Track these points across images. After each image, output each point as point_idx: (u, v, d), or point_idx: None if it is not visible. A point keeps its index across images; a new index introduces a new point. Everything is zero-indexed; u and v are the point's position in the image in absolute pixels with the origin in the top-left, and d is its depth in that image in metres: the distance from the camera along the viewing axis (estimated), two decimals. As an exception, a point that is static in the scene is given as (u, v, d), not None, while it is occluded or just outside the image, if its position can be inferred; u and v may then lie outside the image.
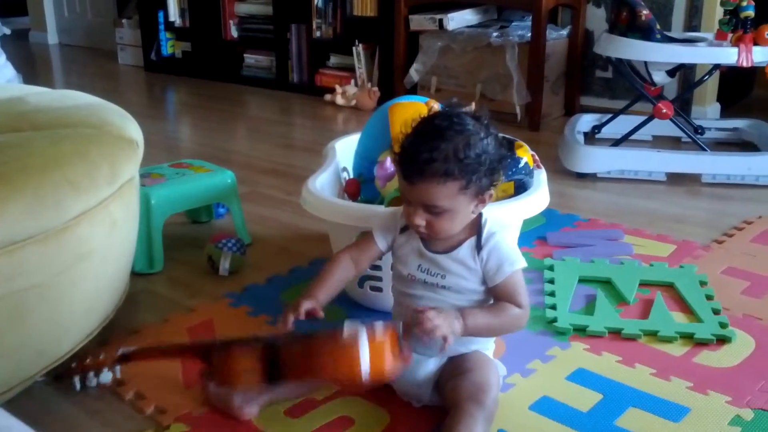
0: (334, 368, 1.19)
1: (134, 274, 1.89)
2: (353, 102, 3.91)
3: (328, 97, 4.02)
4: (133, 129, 1.70)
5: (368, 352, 1.18)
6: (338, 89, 3.97)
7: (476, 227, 1.36)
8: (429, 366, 1.36)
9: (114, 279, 1.62)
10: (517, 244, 1.44)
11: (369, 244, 1.44)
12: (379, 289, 1.66)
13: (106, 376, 1.45)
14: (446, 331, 1.23)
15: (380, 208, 1.65)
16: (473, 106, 1.91)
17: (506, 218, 1.64)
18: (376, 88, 3.89)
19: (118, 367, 1.46)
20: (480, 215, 1.37)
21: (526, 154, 1.73)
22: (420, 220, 1.30)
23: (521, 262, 1.35)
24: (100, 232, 1.50)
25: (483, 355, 1.39)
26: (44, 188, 1.36)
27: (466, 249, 1.35)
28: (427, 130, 1.29)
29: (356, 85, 3.98)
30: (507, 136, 1.84)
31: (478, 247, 1.34)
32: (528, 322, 1.67)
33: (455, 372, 1.33)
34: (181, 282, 1.97)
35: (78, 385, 1.44)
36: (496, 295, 1.35)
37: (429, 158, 1.25)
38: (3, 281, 1.27)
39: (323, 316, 1.35)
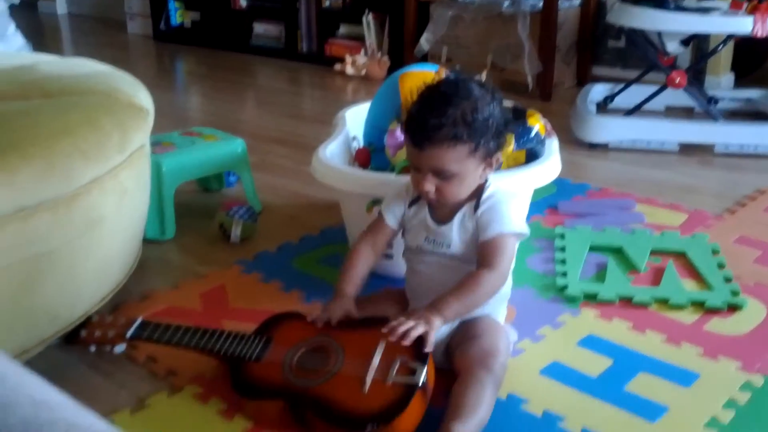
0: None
1: (146, 242, 1.90)
2: (363, 72, 3.89)
3: (337, 66, 4.00)
4: (143, 96, 1.70)
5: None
6: (348, 59, 3.94)
7: (479, 191, 1.37)
8: (441, 330, 1.36)
9: (125, 246, 1.63)
10: (522, 214, 1.42)
11: (381, 226, 1.45)
12: (390, 257, 1.66)
13: (120, 348, 1.45)
14: (422, 330, 1.24)
15: (391, 176, 1.65)
16: (484, 75, 1.90)
17: (518, 186, 1.64)
18: (386, 58, 3.86)
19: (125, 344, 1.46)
20: (485, 181, 1.37)
21: (537, 123, 1.72)
22: (430, 186, 1.31)
23: (516, 228, 1.34)
24: (111, 199, 1.50)
25: (493, 320, 1.39)
26: (54, 156, 1.36)
27: (465, 212, 1.36)
28: (434, 96, 1.31)
29: (366, 54, 3.96)
30: (518, 104, 1.83)
31: (476, 207, 1.35)
32: (539, 288, 1.71)
33: (465, 337, 1.33)
34: (193, 249, 1.98)
35: (93, 349, 1.45)
36: (478, 254, 1.33)
37: (438, 123, 1.27)
38: (16, 247, 1.28)
39: (357, 316, 1.34)
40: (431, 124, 1.27)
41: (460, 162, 1.29)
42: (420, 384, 1.19)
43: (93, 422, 0.43)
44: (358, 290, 1.41)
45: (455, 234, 1.36)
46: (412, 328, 1.24)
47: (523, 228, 1.36)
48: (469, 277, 1.31)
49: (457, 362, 1.31)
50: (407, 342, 1.23)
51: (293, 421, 1.24)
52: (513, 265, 1.39)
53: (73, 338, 1.45)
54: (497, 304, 1.42)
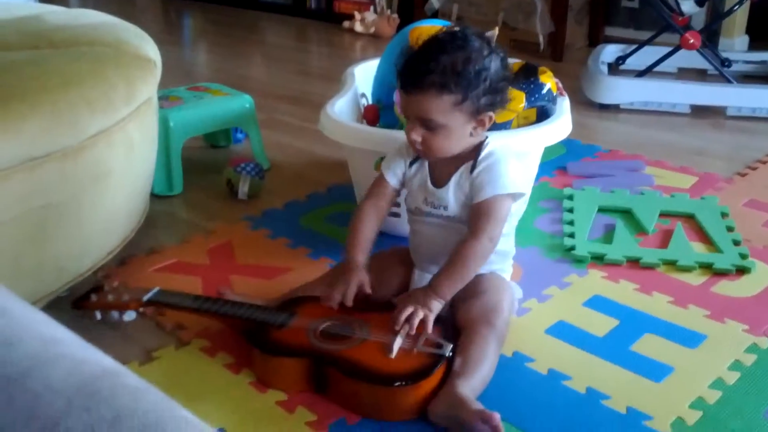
0: (385, 414, 1.19)
1: (154, 197, 1.90)
2: (372, 29, 3.84)
3: (346, 24, 3.95)
4: (150, 49, 1.68)
5: (421, 399, 1.18)
6: (357, 16, 3.89)
7: (476, 151, 1.33)
8: None
9: (133, 200, 1.62)
10: (521, 173, 1.35)
11: (383, 185, 1.42)
12: (397, 215, 1.65)
13: (130, 315, 1.43)
14: (421, 315, 1.23)
15: (399, 133, 1.64)
16: (496, 32, 1.87)
17: (527, 145, 1.63)
18: (395, 15, 3.81)
19: (141, 310, 1.45)
20: (484, 141, 1.34)
21: (549, 81, 1.70)
22: (416, 136, 1.29)
23: (511, 188, 1.29)
24: (118, 152, 1.49)
25: (498, 277, 1.39)
26: (61, 106, 1.35)
27: (462, 173, 1.33)
28: (431, 43, 1.29)
29: (375, 11, 3.90)
30: (530, 62, 1.80)
31: (473, 167, 1.32)
32: (546, 249, 1.70)
33: (469, 293, 1.33)
34: (200, 205, 1.98)
35: (99, 316, 1.43)
36: (470, 216, 1.31)
37: (426, 69, 1.24)
38: (23, 198, 1.28)
39: (371, 292, 1.32)
40: (420, 69, 1.25)
41: (445, 113, 1.25)
42: (447, 355, 1.20)
43: (100, 358, 0.43)
44: (368, 255, 1.39)
45: (451, 196, 1.34)
46: (412, 314, 1.23)
47: (520, 188, 1.32)
48: (457, 251, 1.28)
49: (460, 318, 1.31)
50: (412, 332, 1.23)
51: (309, 386, 1.24)
52: (516, 222, 1.38)
53: (81, 303, 1.43)
54: (502, 261, 1.42)
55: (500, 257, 1.39)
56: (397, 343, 1.21)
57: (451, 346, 1.22)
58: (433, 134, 1.28)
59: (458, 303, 1.33)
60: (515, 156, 1.36)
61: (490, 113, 1.30)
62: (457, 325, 1.30)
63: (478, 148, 1.33)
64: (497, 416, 1.10)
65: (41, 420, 0.37)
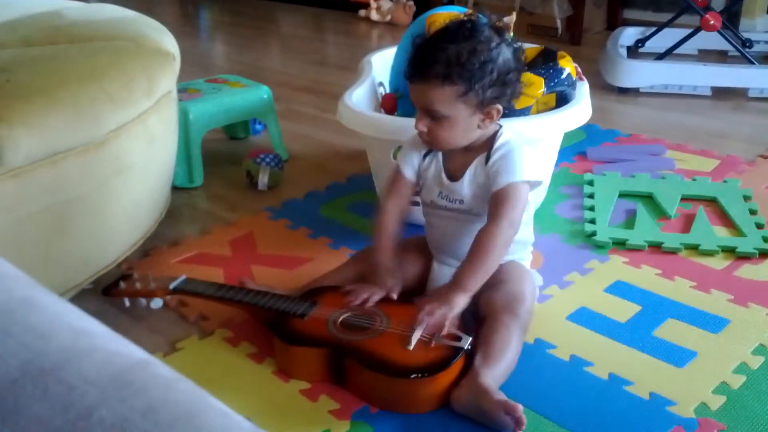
0: (402, 406, 1.19)
1: (175, 189, 1.92)
2: (388, 17, 3.83)
3: (362, 12, 3.94)
4: (169, 42, 1.70)
5: (439, 392, 1.18)
6: (373, 4, 3.89)
7: (490, 142, 1.32)
8: None
9: (155, 192, 1.64)
10: (537, 162, 1.33)
11: (400, 181, 1.40)
12: (416, 203, 1.65)
13: (157, 303, 1.46)
14: (442, 312, 1.22)
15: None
16: (513, 17, 1.86)
17: (547, 131, 1.62)
18: (411, 3, 3.80)
19: (168, 298, 1.47)
20: (497, 132, 1.33)
21: (569, 65, 1.69)
22: (422, 126, 1.28)
23: (527, 176, 1.28)
24: (139, 145, 1.51)
25: (519, 265, 1.39)
26: (82, 101, 1.36)
27: (476, 164, 1.32)
28: (439, 32, 1.27)
29: (391, -1, 3.89)
30: (548, 47, 1.79)
31: (488, 158, 1.31)
32: (567, 235, 1.70)
33: (491, 282, 1.32)
34: (221, 196, 1.99)
35: (127, 303, 1.47)
36: (489, 205, 1.30)
37: (430, 60, 1.23)
38: (47, 192, 1.30)
39: (396, 298, 1.31)
40: (425, 60, 1.24)
41: (449, 104, 1.24)
42: (466, 348, 1.20)
43: (133, 350, 0.44)
44: (393, 255, 1.38)
45: (467, 189, 1.33)
46: (435, 314, 1.22)
47: (536, 176, 1.31)
48: (478, 240, 1.27)
49: (483, 307, 1.31)
50: (432, 329, 1.22)
51: (328, 376, 1.25)
52: (533, 211, 1.38)
53: (110, 290, 1.46)
54: (521, 250, 1.41)
55: (519, 246, 1.39)
56: (416, 335, 1.22)
57: (470, 338, 1.22)
58: (439, 125, 1.27)
59: (480, 293, 1.33)
60: (529, 144, 1.35)
61: (498, 106, 1.28)
62: (480, 315, 1.30)
63: (491, 139, 1.32)
64: (520, 407, 1.09)
65: (75, 410, 0.37)
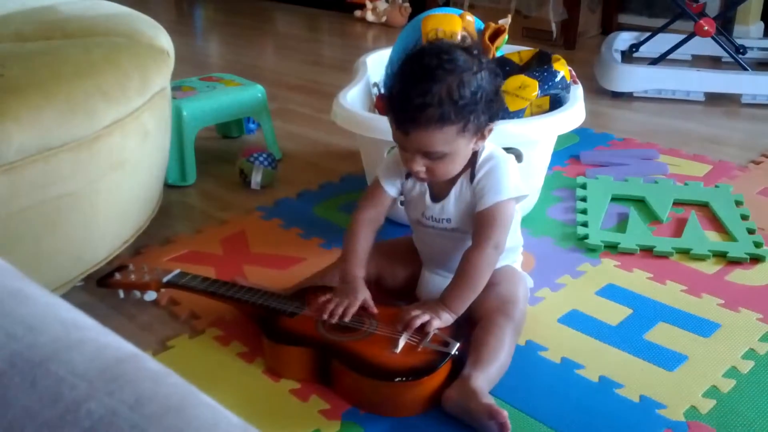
0: (386, 409, 1.19)
1: (167, 187, 1.91)
2: (384, 18, 3.84)
3: (357, 13, 3.94)
4: (163, 38, 1.69)
5: (423, 397, 1.18)
6: (368, 5, 3.89)
7: (473, 159, 1.29)
8: None
9: (147, 189, 1.63)
10: (518, 174, 1.30)
11: (380, 195, 1.37)
12: (401, 203, 1.64)
13: (151, 295, 1.47)
14: (427, 317, 1.23)
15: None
16: (509, 20, 1.86)
17: (540, 133, 1.62)
18: (407, 4, 3.80)
19: (162, 291, 1.47)
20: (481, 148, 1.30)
21: (563, 69, 1.69)
22: (419, 167, 1.23)
23: (513, 192, 1.27)
24: (133, 142, 1.50)
25: (510, 268, 1.39)
26: (76, 96, 1.36)
27: (461, 183, 1.30)
28: (416, 71, 1.18)
29: (387, 0, 3.89)
30: (543, 50, 1.80)
31: (472, 176, 1.29)
32: (559, 238, 1.70)
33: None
34: (214, 195, 1.99)
35: (122, 295, 1.47)
36: (474, 224, 1.28)
37: (422, 104, 1.16)
38: (39, 187, 1.29)
39: (376, 311, 1.28)
40: (415, 104, 1.16)
41: (449, 143, 1.19)
42: (453, 353, 1.20)
43: (123, 344, 0.43)
44: (365, 267, 1.34)
45: (453, 208, 1.31)
46: (417, 317, 1.23)
47: (521, 191, 1.29)
48: (463, 264, 1.27)
49: (476, 310, 1.31)
50: (428, 339, 1.22)
51: (315, 376, 1.25)
52: (521, 216, 1.38)
53: (106, 281, 1.46)
54: (511, 256, 1.40)
55: (508, 252, 1.37)
56: (404, 338, 1.22)
57: (458, 344, 1.22)
58: (438, 162, 1.22)
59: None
60: (509, 157, 1.32)
61: (490, 126, 1.25)
62: (473, 318, 1.30)
63: (474, 155, 1.29)
64: (504, 414, 1.09)
65: (64, 403, 0.37)
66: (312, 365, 1.24)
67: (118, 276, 1.46)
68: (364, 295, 1.30)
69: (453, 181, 1.30)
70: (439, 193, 1.33)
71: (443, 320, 1.25)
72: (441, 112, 1.16)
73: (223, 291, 1.39)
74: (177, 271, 1.45)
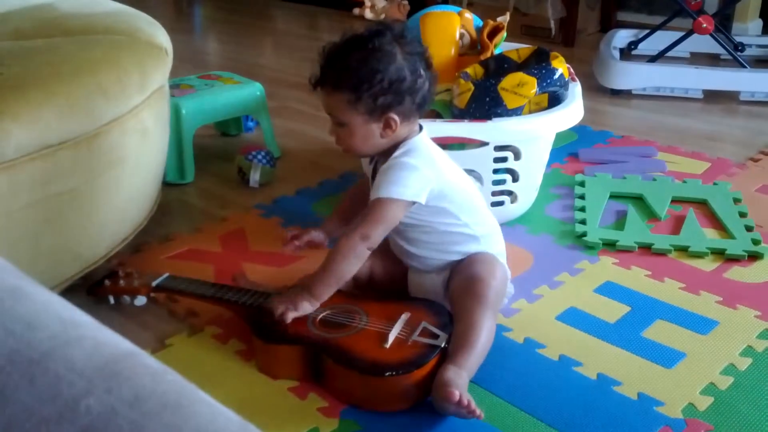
0: (379, 404, 1.20)
1: (166, 185, 1.91)
2: (382, 16, 3.83)
3: (356, 11, 3.93)
4: (162, 36, 1.69)
5: (414, 389, 1.18)
6: (367, 3, 3.88)
7: (390, 153, 1.31)
8: (431, 276, 1.38)
9: (146, 187, 1.63)
10: (420, 183, 1.27)
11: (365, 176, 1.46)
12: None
13: (141, 300, 1.46)
14: (290, 314, 1.26)
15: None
16: (507, 17, 1.86)
17: (538, 130, 1.63)
18: (406, 2, 3.79)
19: (151, 295, 1.47)
20: (401, 143, 1.31)
21: (561, 66, 1.69)
22: (331, 132, 1.34)
23: (394, 195, 1.25)
24: (132, 139, 1.50)
25: (483, 253, 1.35)
26: (76, 94, 1.36)
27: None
28: (340, 41, 1.31)
29: (386, -2, 3.89)
30: (542, 47, 1.80)
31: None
32: (557, 236, 1.70)
33: (456, 272, 1.34)
34: (212, 193, 1.99)
35: (112, 301, 1.47)
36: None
37: (326, 67, 1.29)
38: (38, 185, 1.29)
39: (327, 245, 1.39)
40: (323, 66, 1.30)
41: (342, 111, 1.28)
42: (442, 345, 1.21)
43: (121, 341, 0.43)
44: (339, 224, 1.49)
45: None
46: (283, 313, 1.27)
47: (408, 195, 1.25)
48: (331, 250, 1.30)
49: (449, 299, 1.32)
50: (284, 321, 1.26)
51: (308, 374, 1.25)
52: (472, 213, 1.35)
53: (95, 289, 1.46)
54: (485, 241, 1.37)
55: (469, 244, 1.35)
56: (393, 333, 1.22)
57: (447, 336, 1.22)
58: (342, 131, 1.31)
59: (447, 285, 1.34)
60: (420, 164, 1.28)
61: (393, 115, 1.27)
62: (450, 307, 1.30)
63: (394, 149, 1.31)
64: (456, 393, 1.10)
65: (63, 399, 0.37)
66: (304, 363, 1.25)
67: (107, 283, 1.46)
68: (321, 235, 1.46)
69: (382, 165, 1.33)
70: (373, 176, 1.37)
71: (301, 309, 1.27)
72: (336, 79, 1.27)
73: (212, 293, 1.40)
74: (166, 275, 1.46)
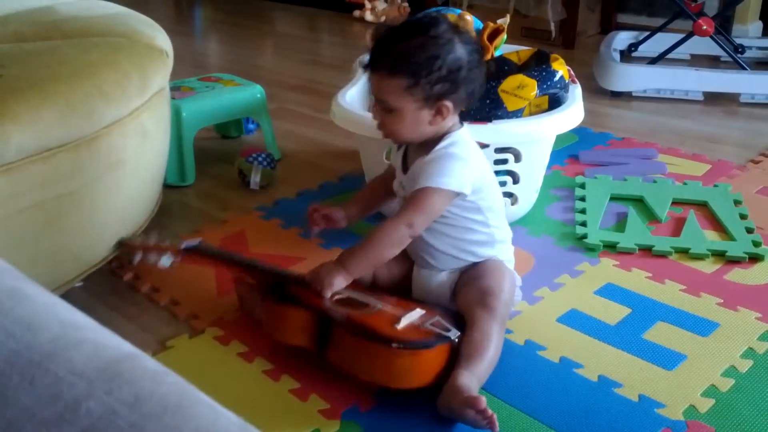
0: (379, 376, 1.19)
1: (166, 187, 1.91)
2: (382, 18, 3.84)
3: (356, 13, 3.94)
4: (162, 39, 1.69)
5: (417, 369, 1.18)
6: (367, 5, 3.89)
7: (437, 142, 1.31)
8: (441, 276, 1.37)
9: (146, 189, 1.63)
10: (468, 175, 1.29)
11: (391, 167, 1.46)
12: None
13: (167, 260, 1.46)
14: (328, 286, 1.27)
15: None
16: (507, 19, 1.86)
17: (539, 133, 1.63)
18: (406, 4, 3.80)
19: (178, 258, 1.47)
20: (447, 134, 1.32)
21: (561, 68, 1.69)
22: (376, 116, 1.32)
23: (444, 184, 1.26)
24: (132, 141, 1.50)
25: (494, 261, 1.36)
26: (75, 96, 1.36)
27: (419, 163, 1.32)
28: (398, 26, 1.31)
29: (386, 0, 3.90)
30: (542, 49, 1.80)
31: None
32: (558, 237, 1.70)
33: (466, 280, 1.34)
34: (213, 195, 1.99)
35: (137, 259, 1.47)
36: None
37: (381, 51, 1.28)
38: (38, 187, 1.29)
39: (343, 227, 1.41)
40: (379, 50, 1.28)
41: (396, 95, 1.26)
42: (452, 339, 1.20)
43: (121, 343, 0.43)
44: (359, 210, 1.49)
45: (409, 182, 1.34)
46: (323, 284, 1.28)
47: (456, 186, 1.27)
48: (373, 230, 1.31)
49: (459, 307, 1.31)
50: (326, 293, 1.28)
51: (313, 354, 1.25)
52: (502, 210, 1.38)
53: (127, 242, 1.50)
54: (497, 247, 1.38)
55: (485, 246, 1.36)
56: (407, 318, 1.23)
57: (459, 334, 1.23)
58: (389, 117, 1.29)
59: (456, 293, 1.34)
60: (468, 156, 1.31)
61: (447, 102, 1.27)
62: (460, 315, 1.30)
63: (439, 140, 1.31)
64: (482, 399, 1.09)
65: (63, 402, 0.37)
66: (311, 330, 1.25)
67: (139, 239, 1.49)
68: (339, 212, 1.45)
69: (418, 157, 1.33)
70: (409, 165, 1.36)
71: (336, 284, 1.28)
72: (393, 63, 1.25)
73: (238, 259, 1.44)
74: (198, 240, 1.49)
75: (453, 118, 1.32)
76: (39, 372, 0.39)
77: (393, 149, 1.45)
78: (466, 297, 1.30)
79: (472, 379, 1.16)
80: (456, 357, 1.20)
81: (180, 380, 0.43)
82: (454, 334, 1.22)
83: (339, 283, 1.28)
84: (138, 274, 1.59)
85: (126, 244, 1.49)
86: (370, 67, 1.29)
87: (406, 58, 1.25)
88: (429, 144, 1.32)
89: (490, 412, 1.09)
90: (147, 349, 1.35)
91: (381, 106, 1.29)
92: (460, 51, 1.27)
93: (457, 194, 1.29)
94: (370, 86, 1.32)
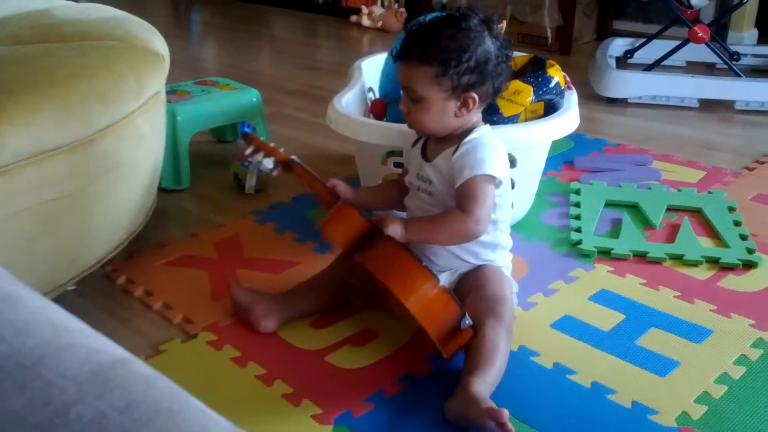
0: (395, 282, 1.23)
1: (162, 191, 1.91)
2: (379, 23, 3.84)
3: (353, 18, 3.95)
4: (158, 42, 1.69)
5: (427, 296, 1.23)
6: (364, 10, 3.89)
7: (464, 135, 1.33)
8: (441, 277, 1.37)
9: (142, 193, 1.63)
10: (504, 165, 1.34)
11: (404, 170, 1.48)
12: (401, 165, 1.64)
13: (269, 163, 1.47)
14: (387, 225, 1.28)
15: (406, 127, 1.64)
16: (503, 25, 1.87)
17: (534, 139, 1.63)
18: (403, 9, 3.81)
19: (278, 167, 1.48)
20: (474, 127, 1.34)
21: (558, 74, 1.70)
22: (404, 106, 1.34)
23: (488, 170, 1.28)
24: (128, 145, 1.50)
25: (493, 267, 1.37)
26: (72, 99, 1.36)
27: (446, 153, 1.33)
28: (431, 20, 1.34)
29: (383, 5, 3.90)
30: (538, 55, 1.80)
31: (456, 151, 1.32)
32: (553, 243, 1.70)
33: (469, 287, 1.34)
34: (208, 199, 1.99)
35: (248, 151, 1.48)
36: (456, 201, 1.32)
37: (412, 40, 1.30)
38: (33, 190, 1.29)
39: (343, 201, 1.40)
40: (409, 39, 1.31)
41: (424, 84, 1.28)
42: (464, 312, 1.23)
43: (112, 347, 0.43)
44: (369, 202, 1.48)
45: (435, 171, 1.35)
46: (378, 221, 1.30)
47: (499, 174, 1.30)
48: (445, 211, 1.32)
49: (467, 312, 1.31)
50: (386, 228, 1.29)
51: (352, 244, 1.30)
52: (506, 217, 1.39)
53: (249, 135, 1.51)
54: (490, 253, 1.39)
55: (488, 248, 1.37)
56: (440, 277, 1.28)
57: (470, 322, 1.24)
58: (416, 106, 1.31)
59: (463, 298, 1.34)
60: (500, 147, 1.34)
61: (474, 94, 1.30)
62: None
63: (467, 133, 1.33)
64: (505, 413, 1.09)
65: (53, 406, 0.37)
66: (360, 235, 1.30)
67: (259, 138, 1.52)
68: (348, 189, 1.42)
69: (442, 149, 1.35)
70: (431, 156, 1.37)
71: (391, 230, 1.28)
72: (424, 52, 1.28)
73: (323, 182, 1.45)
74: (298, 161, 1.49)
75: (477, 113, 1.35)
76: (30, 376, 0.39)
77: (407, 146, 1.46)
78: (476, 306, 1.29)
79: (484, 387, 1.17)
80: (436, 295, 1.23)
81: (172, 385, 0.43)
82: (466, 319, 1.24)
83: (395, 230, 1.28)
84: (131, 278, 1.59)
85: (249, 136, 1.51)
86: (400, 56, 1.31)
87: (437, 47, 1.27)
88: (453, 138, 1.33)
89: (510, 425, 1.09)
90: (140, 354, 1.34)
91: (408, 95, 1.32)
92: (490, 45, 1.30)
93: (500, 183, 1.31)
94: (399, 75, 1.34)
